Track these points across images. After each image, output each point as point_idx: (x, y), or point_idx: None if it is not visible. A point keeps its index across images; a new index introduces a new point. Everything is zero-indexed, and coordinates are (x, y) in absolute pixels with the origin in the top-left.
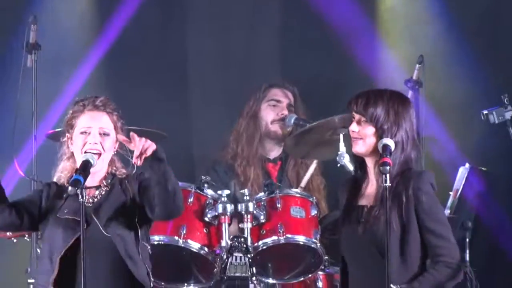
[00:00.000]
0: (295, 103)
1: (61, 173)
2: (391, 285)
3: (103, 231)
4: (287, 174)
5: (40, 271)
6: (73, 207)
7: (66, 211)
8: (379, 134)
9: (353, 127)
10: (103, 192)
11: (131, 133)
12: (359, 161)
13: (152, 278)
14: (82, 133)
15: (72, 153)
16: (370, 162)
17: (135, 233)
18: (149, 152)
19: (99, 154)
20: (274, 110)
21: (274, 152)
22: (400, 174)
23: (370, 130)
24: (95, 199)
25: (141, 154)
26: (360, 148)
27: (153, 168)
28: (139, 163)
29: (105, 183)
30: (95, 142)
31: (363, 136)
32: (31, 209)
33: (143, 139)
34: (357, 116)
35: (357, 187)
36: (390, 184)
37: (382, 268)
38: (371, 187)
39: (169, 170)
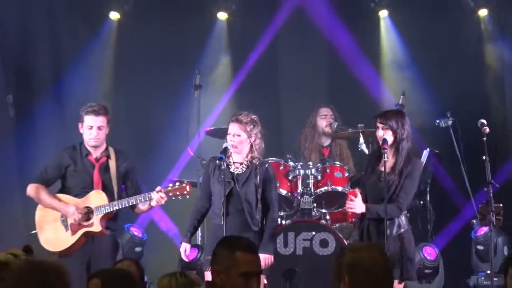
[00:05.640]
0: (334, 114)
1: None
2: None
3: (238, 189)
4: (333, 155)
5: (214, 207)
6: (225, 173)
7: (222, 177)
8: (395, 136)
9: (380, 133)
10: (244, 168)
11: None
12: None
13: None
14: (228, 134)
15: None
16: (389, 150)
17: (256, 199)
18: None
19: (235, 146)
20: (324, 120)
21: (326, 142)
22: (406, 157)
23: (390, 134)
24: (238, 170)
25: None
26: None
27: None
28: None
29: (245, 163)
30: (231, 140)
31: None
32: (210, 194)
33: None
34: (381, 126)
35: (377, 160)
36: (387, 159)
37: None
38: (388, 162)
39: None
